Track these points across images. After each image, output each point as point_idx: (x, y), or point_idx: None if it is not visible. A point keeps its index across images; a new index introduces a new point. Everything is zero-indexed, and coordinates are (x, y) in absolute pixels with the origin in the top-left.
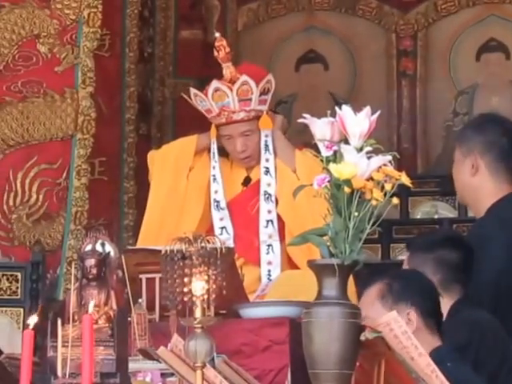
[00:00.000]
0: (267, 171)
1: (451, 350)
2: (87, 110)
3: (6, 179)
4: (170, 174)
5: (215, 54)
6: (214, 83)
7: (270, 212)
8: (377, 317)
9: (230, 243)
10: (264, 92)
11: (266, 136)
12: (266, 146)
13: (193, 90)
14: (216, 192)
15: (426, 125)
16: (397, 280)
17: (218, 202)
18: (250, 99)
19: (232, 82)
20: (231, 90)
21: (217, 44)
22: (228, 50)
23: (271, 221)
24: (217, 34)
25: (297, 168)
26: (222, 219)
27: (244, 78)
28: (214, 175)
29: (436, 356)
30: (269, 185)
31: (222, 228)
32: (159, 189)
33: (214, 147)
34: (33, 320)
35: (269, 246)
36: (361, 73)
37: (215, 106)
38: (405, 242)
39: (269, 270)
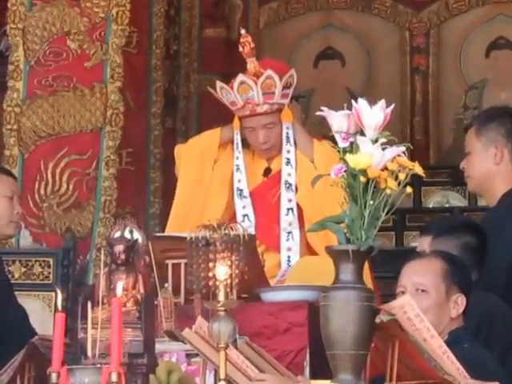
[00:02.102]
0: (288, 162)
1: (468, 332)
2: (116, 104)
3: (38, 169)
4: (196, 167)
5: (240, 49)
6: (240, 77)
7: (290, 200)
8: (430, 287)
9: (252, 230)
10: (286, 86)
11: (288, 128)
12: (288, 137)
13: (219, 83)
14: (239, 181)
15: (437, 118)
16: (457, 264)
17: (241, 190)
18: (274, 93)
19: (256, 75)
20: (256, 83)
21: (242, 40)
22: (253, 45)
23: (291, 209)
24: (242, 31)
25: (315, 158)
26: (244, 207)
27: (268, 72)
28: (237, 165)
29: (454, 337)
30: (289, 175)
31: (245, 216)
32: (186, 181)
33: (238, 138)
34: (60, 300)
35: (289, 233)
36: (376, 68)
37: (240, 98)
38: (418, 229)
39: (288, 256)
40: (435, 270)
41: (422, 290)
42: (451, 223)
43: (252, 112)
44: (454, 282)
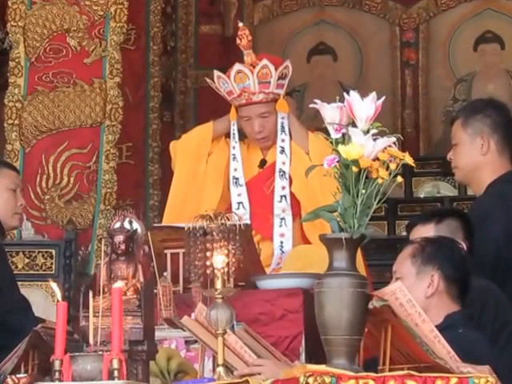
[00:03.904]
0: (283, 150)
1: (464, 317)
2: (115, 99)
3: (39, 163)
4: (191, 160)
5: (237, 41)
6: (237, 66)
7: (283, 188)
8: (406, 272)
9: (246, 218)
10: (282, 77)
11: (283, 118)
12: (282, 127)
13: (216, 73)
14: (235, 170)
15: (427, 110)
16: (430, 243)
17: (237, 179)
18: (269, 82)
19: (253, 66)
20: (252, 72)
21: (240, 33)
22: (250, 38)
23: (285, 196)
24: (240, 24)
25: (310, 150)
26: (239, 195)
27: (264, 61)
28: (233, 154)
29: (449, 321)
30: (283, 163)
31: (239, 203)
32: (181, 174)
33: (235, 128)
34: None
35: (282, 219)
36: (367, 63)
37: (236, 87)
38: (410, 219)
39: (281, 242)
40: (406, 256)
41: (397, 278)
42: (450, 210)
43: (248, 101)
44: (424, 263)
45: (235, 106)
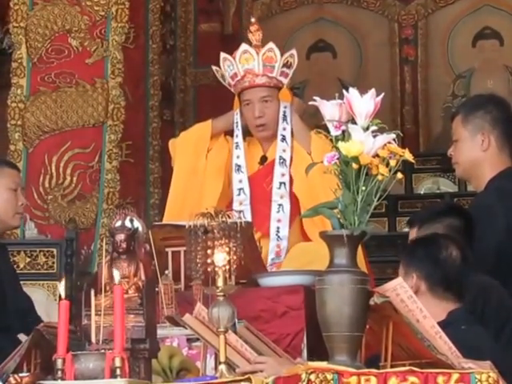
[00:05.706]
0: (283, 138)
1: (466, 313)
2: (117, 99)
3: (42, 163)
4: (191, 156)
5: (249, 35)
6: (243, 46)
7: (283, 175)
8: (400, 275)
9: (247, 203)
10: (287, 65)
11: (285, 107)
12: (284, 116)
13: (222, 54)
14: (238, 157)
15: (427, 107)
16: (411, 245)
17: (239, 166)
18: (273, 67)
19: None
20: (258, 54)
21: (251, 27)
22: (260, 32)
23: (284, 183)
24: (252, 19)
25: (312, 150)
26: (240, 181)
27: (270, 44)
28: (236, 142)
29: (451, 318)
30: (284, 150)
31: (240, 189)
32: (181, 171)
33: (237, 117)
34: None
35: (280, 205)
36: (366, 60)
37: (241, 68)
38: (410, 215)
39: (277, 227)
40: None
41: None
42: (431, 210)
43: (251, 83)
44: (407, 265)
45: (238, 91)
